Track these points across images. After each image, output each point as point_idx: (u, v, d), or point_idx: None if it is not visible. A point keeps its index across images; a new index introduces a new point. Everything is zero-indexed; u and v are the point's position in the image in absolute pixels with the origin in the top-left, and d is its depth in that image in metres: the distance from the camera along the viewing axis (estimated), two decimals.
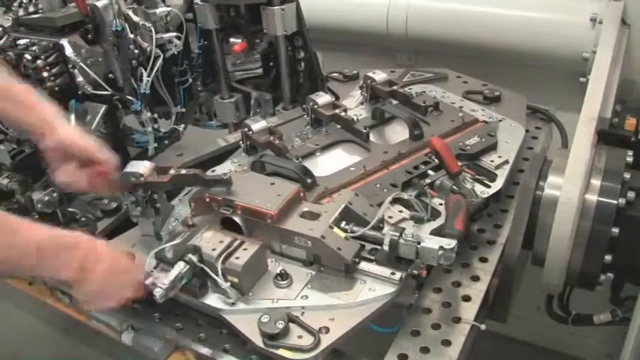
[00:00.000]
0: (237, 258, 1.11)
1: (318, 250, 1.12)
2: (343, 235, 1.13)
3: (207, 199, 1.22)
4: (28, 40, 1.37)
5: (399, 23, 2.01)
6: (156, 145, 1.55)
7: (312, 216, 1.17)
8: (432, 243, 1.06)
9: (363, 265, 1.13)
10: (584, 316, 1.49)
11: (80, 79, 1.38)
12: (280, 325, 1.02)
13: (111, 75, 1.45)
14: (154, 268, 1.15)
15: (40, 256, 0.98)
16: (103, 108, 1.43)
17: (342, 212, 1.17)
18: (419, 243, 1.07)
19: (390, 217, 1.24)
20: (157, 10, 1.45)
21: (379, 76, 1.67)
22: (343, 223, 1.16)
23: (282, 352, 1.01)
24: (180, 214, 1.32)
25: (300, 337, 1.03)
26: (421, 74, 1.82)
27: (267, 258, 1.18)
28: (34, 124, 1.20)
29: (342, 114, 1.52)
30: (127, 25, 1.40)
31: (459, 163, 1.35)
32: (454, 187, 1.30)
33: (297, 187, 1.24)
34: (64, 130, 1.20)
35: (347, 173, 1.36)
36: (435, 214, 1.25)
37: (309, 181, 1.30)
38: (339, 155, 1.48)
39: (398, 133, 1.54)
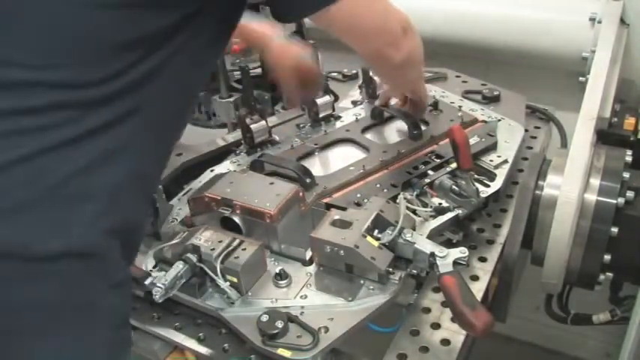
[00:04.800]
0: (236, 257, 1.11)
1: (351, 260, 1.09)
2: (376, 243, 1.10)
3: (206, 199, 1.22)
4: None
5: None
6: None
7: (344, 224, 1.13)
8: (427, 247, 1.06)
9: None
10: (583, 316, 1.49)
11: None
12: (279, 324, 1.02)
13: None
14: (153, 267, 1.16)
15: None
16: None
17: (374, 220, 1.14)
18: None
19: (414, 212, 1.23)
20: None
21: None
22: (376, 232, 1.12)
23: (281, 351, 1.01)
24: (180, 214, 1.32)
25: (299, 336, 1.03)
26: None
27: (266, 257, 1.18)
28: (258, 38, 1.48)
29: None
30: None
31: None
32: (454, 186, 1.29)
33: (296, 186, 1.24)
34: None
35: (346, 173, 1.36)
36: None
37: (308, 180, 1.30)
38: (338, 155, 1.47)
39: (397, 132, 1.54)
